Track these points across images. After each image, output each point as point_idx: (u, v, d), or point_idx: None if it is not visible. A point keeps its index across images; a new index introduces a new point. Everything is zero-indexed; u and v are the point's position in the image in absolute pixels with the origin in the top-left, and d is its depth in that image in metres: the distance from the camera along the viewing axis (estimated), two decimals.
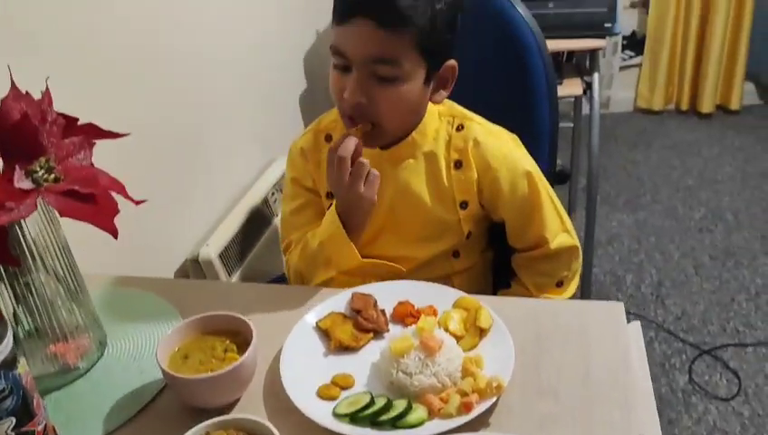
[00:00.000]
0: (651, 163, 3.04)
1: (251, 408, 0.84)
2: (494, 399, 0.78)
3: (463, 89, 1.05)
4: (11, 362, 0.69)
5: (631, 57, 3.39)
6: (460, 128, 1.06)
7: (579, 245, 1.13)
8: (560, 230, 1.10)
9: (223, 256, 1.48)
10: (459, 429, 0.76)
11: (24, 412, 0.70)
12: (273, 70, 1.90)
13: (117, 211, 0.77)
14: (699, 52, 3.28)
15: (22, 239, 0.81)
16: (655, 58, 3.31)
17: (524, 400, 0.81)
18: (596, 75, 1.92)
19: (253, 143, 1.81)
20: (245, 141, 1.76)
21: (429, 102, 1.03)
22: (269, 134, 1.88)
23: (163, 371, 0.80)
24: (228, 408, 0.84)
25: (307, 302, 0.99)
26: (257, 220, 1.64)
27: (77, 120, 0.86)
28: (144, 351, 0.94)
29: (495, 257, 1.23)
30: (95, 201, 0.76)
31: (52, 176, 0.78)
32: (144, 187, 1.33)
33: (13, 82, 0.79)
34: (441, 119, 1.07)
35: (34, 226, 0.83)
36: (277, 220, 1.73)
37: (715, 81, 3.28)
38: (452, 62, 1.00)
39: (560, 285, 1.13)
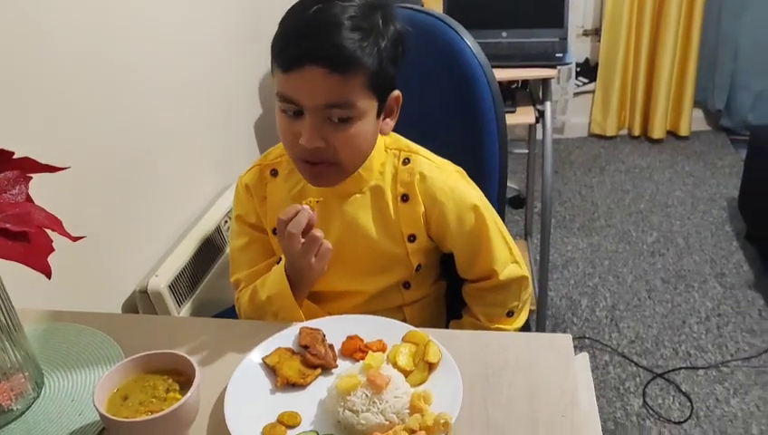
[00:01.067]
0: (605, 187, 3.10)
1: None
2: None
3: (411, 120, 1.05)
4: None
5: (585, 84, 3.46)
6: (406, 161, 1.06)
7: (528, 275, 1.14)
8: (508, 261, 1.11)
9: (173, 286, 1.44)
10: None
11: None
12: (226, 96, 1.88)
13: (51, 250, 0.75)
14: (650, 79, 3.37)
15: None
16: (607, 85, 3.39)
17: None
18: (548, 104, 1.95)
19: (206, 171, 1.78)
20: (198, 169, 1.74)
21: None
22: (223, 161, 1.85)
23: (100, 413, 0.77)
24: None
25: (256, 336, 0.97)
26: (209, 249, 1.61)
27: (12, 153, 0.84)
28: (83, 391, 0.91)
29: (449, 286, 1.23)
30: (28, 239, 0.74)
31: None
32: (88, 217, 1.31)
33: None
34: (387, 152, 1.07)
35: None
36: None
37: (666, 107, 3.37)
38: (396, 92, 1.00)
39: (510, 314, 1.13)
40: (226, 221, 1.71)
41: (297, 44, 0.91)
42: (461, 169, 1.09)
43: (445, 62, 1.14)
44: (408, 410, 0.82)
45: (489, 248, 1.08)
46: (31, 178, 0.84)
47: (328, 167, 0.98)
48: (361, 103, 0.94)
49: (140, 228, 1.48)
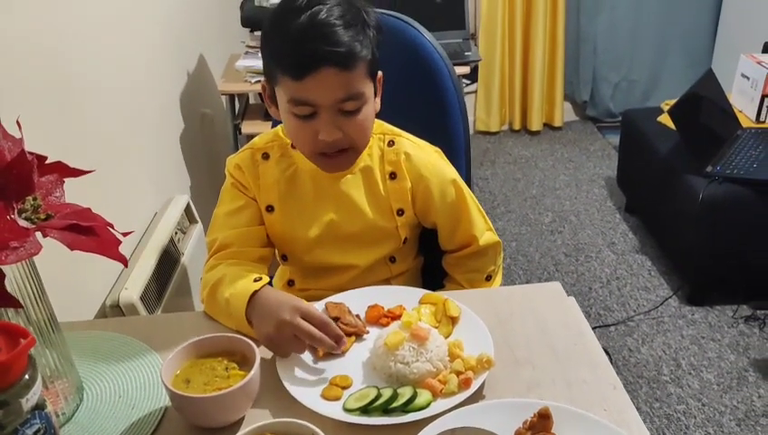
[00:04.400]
0: (498, 178, 3.35)
1: (260, 419, 0.86)
2: (486, 373, 0.89)
3: (389, 109, 1.16)
4: (42, 403, 0.68)
5: (468, 85, 3.72)
6: (391, 143, 1.16)
7: (500, 241, 1.28)
8: (485, 229, 1.24)
9: (143, 298, 1.45)
10: (463, 403, 0.85)
11: None
12: (154, 108, 1.88)
13: (119, 242, 0.78)
14: (525, 77, 3.69)
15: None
16: (488, 85, 3.67)
17: (507, 372, 0.92)
18: None
19: (145, 183, 1.77)
20: (139, 181, 1.73)
21: None
22: (159, 174, 1.85)
23: (173, 393, 0.81)
24: (236, 424, 0.86)
25: None
26: (168, 260, 1.62)
27: (46, 158, 0.85)
28: (127, 387, 0.93)
29: (425, 262, 1.34)
30: (96, 234, 0.76)
31: (43, 214, 0.77)
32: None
33: None
34: (373, 136, 1.17)
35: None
36: (184, 259, 1.72)
37: (540, 102, 3.70)
38: (380, 72, 1.10)
39: (488, 278, 1.27)
40: (177, 233, 1.72)
41: (304, 52, 0.98)
42: (438, 149, 1.21)
43: (411, 57, 1.25)
44: (448, 357, 0.92)
45: (469, 217, 1.21)
46: (64, 181, 0.86)
47: (343, 153, 1.06)
48: (366, 90, 1.03)
49: None
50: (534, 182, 3.30)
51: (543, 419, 0.80)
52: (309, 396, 0.87)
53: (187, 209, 1.82)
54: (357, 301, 1.04)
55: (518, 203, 3.12)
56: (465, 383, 0.87)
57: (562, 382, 0.90)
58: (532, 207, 3.08)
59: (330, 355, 0.96)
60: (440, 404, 0.85)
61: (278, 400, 0.89)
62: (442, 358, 0.91)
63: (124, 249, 1.54)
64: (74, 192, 1.29)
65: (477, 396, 0.88)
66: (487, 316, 1.01)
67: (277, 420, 0.75)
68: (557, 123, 3.79)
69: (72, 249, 0.74)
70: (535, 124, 3.74)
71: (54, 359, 0.88)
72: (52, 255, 0.77)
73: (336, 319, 1.00)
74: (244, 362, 0.88)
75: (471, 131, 3.78)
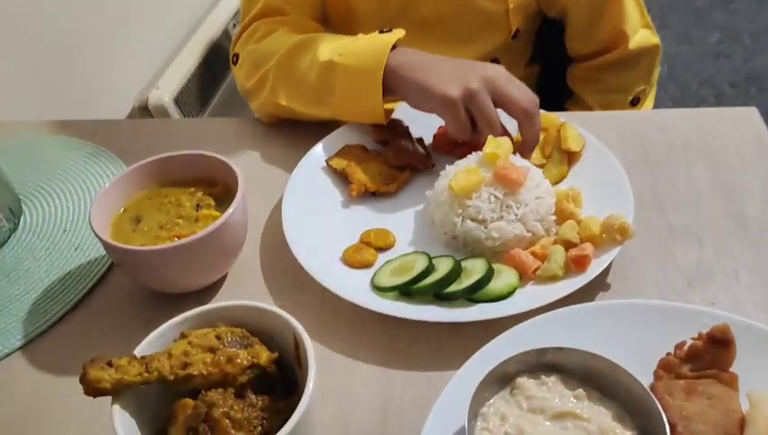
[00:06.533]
0: None
1: (243, 292, 0.56)
2: (617, 249, 0.52)
3: None
4: None
5: None
6: None
7: (660, 45, 0.84)
8: (641, 25, 0.81)
9: (179, 100, 1.16)
10: (570, 298, 0.49)
11: None
12: None
13: None
14: None
15: None
16: None
17: (654, 250, 0.55)
18: None
19: None
20: None
21: None
22: None
23: (104, 243, 0.52)
24: (207, 294, 0.56)
25: (308, 136, 0.69)
26: (217, 57, 1.30)
27: None
28: (79, 218, 0.65)
29: (542, 75, 0.93)
30: None
31: None
32: (65, 20, 1.01)
33: None
34: None
35: None
36: None
37: None
38: None
39: (635, 102, 0.86)
40: (234, 25, 1.38)
41: None
42: None
43: None
44: (554, 218, 0.56)
45: (619, 5, 0.78)
46: None
47: None
48: None
49: (129, 36, 1.16)
50: None
51: (718, 345, 0.44)
52: (322, 261, 0.55)
53: None
54: (423, 119, 0.68)
55: (678, 16, 2.51)
56: (577, 263, 0.51)
57: (755, 277, 0.52)
58: (696, 23, 2.47)
59: (368, 197, 0.62)
60: (530, 295, 0.51)
61: (273, 260, 0.58)
62: (543, 217, 0.55)
63: (165, 39, 1.26)
64: None
65: (596, 287, 0.52)
66: (628, 156, 0.63)
67: (237, 303, 0.44)
68: None
69: None
70: None
71: None
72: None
73: (385, 142, 0.66)
74: (225, 197, 0.56)
75: None
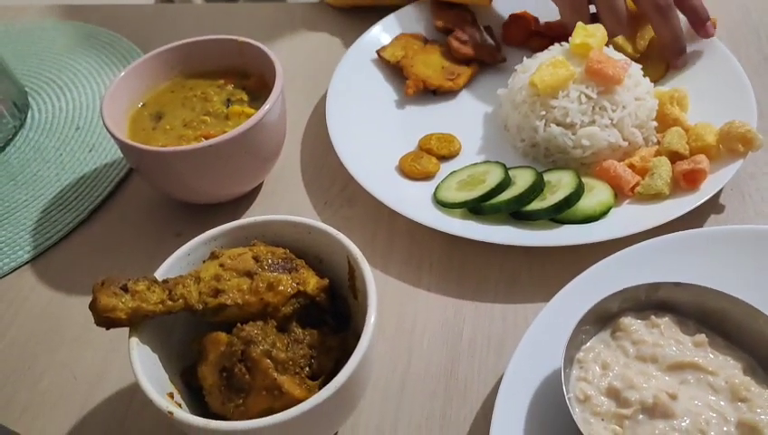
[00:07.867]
0: None
1: (281, 205, 0.48)
2: (737, 163, 0.42)
3: None
4: None
5: None
6: None
7: None
8: None
9: None
10: (677, 222, 0.41)
11: None
12: None
13: None
14: None
15: None
16: None
17: None
18: None
19: None
20: None
21: None
22: None
23: (119, 142, 0.43)
24: (240, 206, 0.48)
25: (357, 23, 0.59)
26: None
27: None
28: (93, 114, 0.57)
29: None
30: None
31: None
32: None
33: None
34: None
35: None
36: None
37: None
38: None
39: None
40: None
41: None
42: None
43: None
44: (655, 124, 0.46)
45: None
46: None
47: None
48: None
49: None
50: None
51: None
52: (375, 168, 0.47)
53: None
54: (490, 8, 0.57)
55: None
56: (689, 179, 0.42)
57: None
58: None
59: (428, 94, 0.53)
60: (628, 216, 0.42)
61: (316, 168, 0.50)
62: (643, 123, 0.46)
63: None
64: None
65: (708, 209, 0.43)
66: (741, 49, 0.52)
67: (278, 217, 0.36)
68: None
69: None
70: None
71: None
72: None
73: (448, 31, 0.55)
74: (260, 92, 0.47)
75: None
